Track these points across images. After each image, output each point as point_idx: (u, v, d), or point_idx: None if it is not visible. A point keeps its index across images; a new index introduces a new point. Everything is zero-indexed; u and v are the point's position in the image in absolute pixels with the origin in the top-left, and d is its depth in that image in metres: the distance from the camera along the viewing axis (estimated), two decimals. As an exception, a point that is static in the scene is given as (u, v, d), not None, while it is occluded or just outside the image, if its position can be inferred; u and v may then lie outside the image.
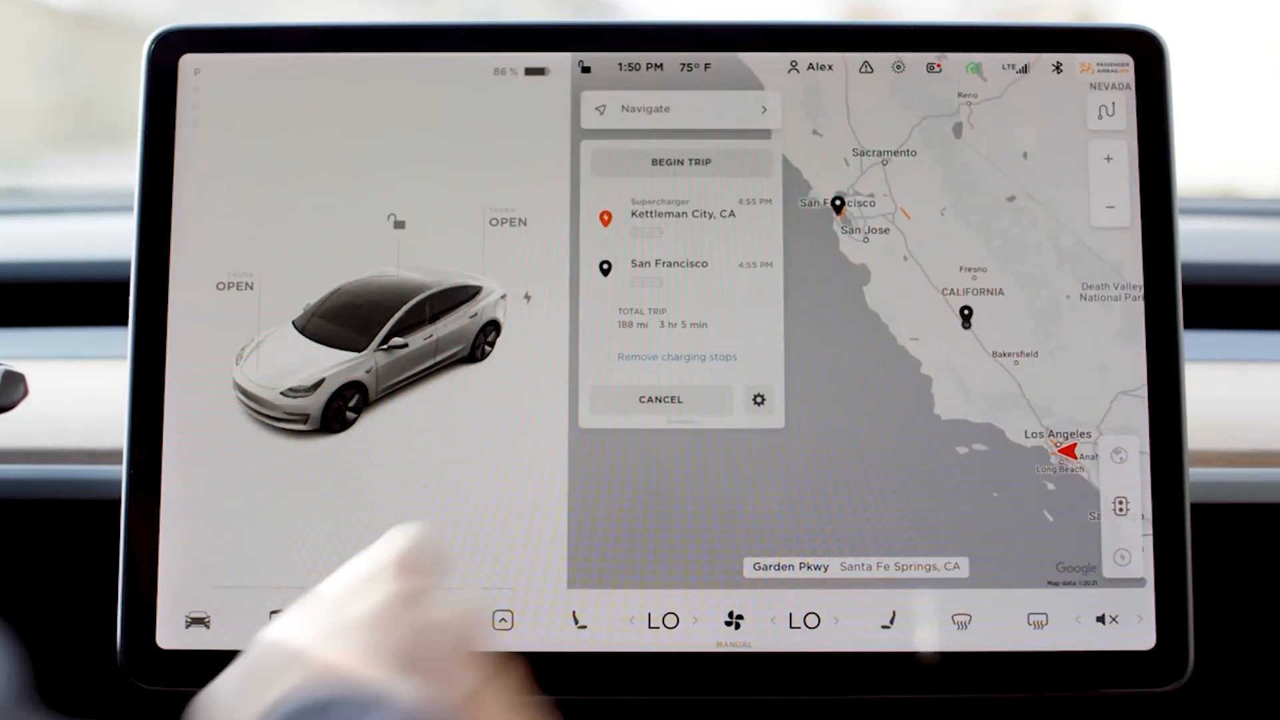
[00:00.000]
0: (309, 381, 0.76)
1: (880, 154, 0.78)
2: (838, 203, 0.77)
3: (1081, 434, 0.76)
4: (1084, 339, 0.77)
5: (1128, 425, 0.76)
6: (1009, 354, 0.77)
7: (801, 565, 0.75)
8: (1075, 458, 0.76)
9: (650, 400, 0.76)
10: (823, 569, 0.75)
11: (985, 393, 0.76)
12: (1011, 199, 0.77)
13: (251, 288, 0.77)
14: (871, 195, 0.77)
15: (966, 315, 0.77)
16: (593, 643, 0.75)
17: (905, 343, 0.76)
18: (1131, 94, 0.78)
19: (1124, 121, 0.78)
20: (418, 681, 0.49)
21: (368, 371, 0.76)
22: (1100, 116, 0.78)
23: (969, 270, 0.77)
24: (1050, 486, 0.76)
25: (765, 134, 0.78)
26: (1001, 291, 0.77)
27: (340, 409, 0.76)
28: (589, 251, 0.77)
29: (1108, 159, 0.78)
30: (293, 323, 0.77)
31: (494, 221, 0.77)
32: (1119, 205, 0.77)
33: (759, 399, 0.76)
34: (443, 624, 0.53)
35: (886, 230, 0.77)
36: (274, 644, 0.52)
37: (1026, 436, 0.76)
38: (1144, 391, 0.76)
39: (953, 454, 0.76)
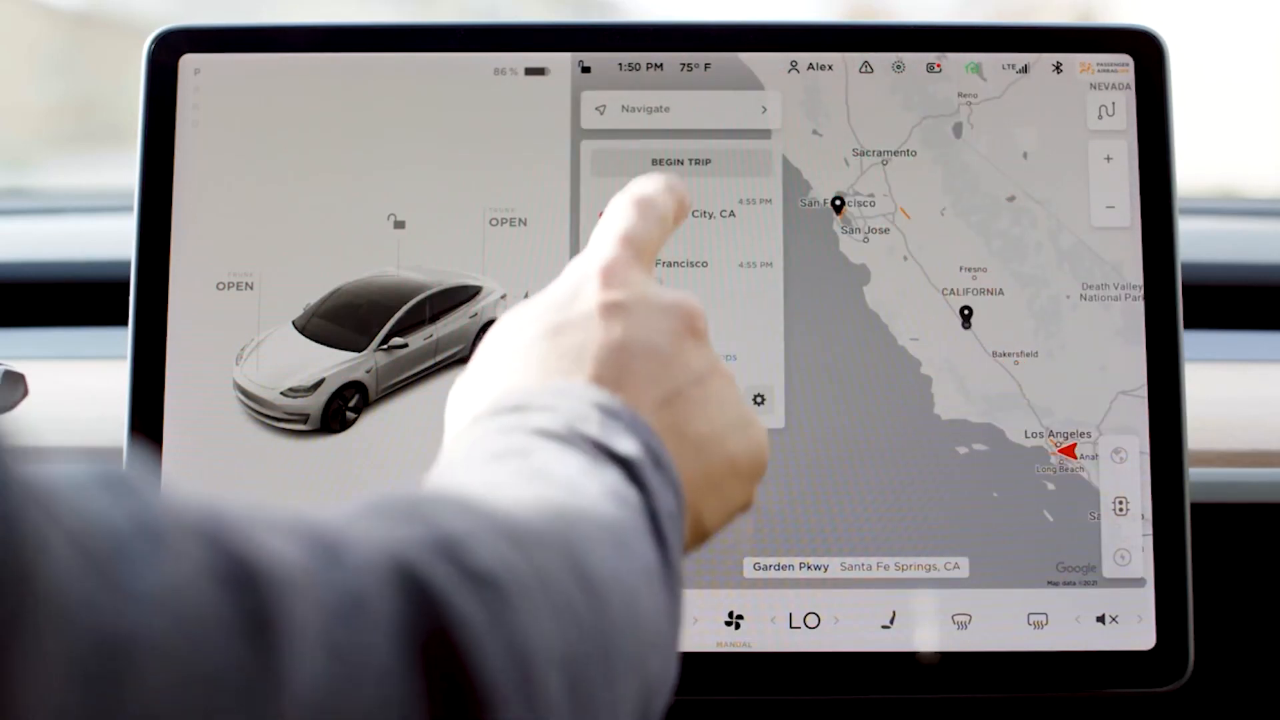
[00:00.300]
0: (309, 381, 0.76)
1: (880, 154, 0.78)
2: (838, 203, 0.77)
3: (1081, 434, 0.76)
4: (1084, 339, 0.77)
5: (1128, 425, 0.76)
6: (1009, 354, 0.77)
7: (801, 565, 0.75)
8: (1075, 458, 0.76)
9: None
10: (823, 569, 0.75)
11: (985, 393, 0.76)
12: (1011, 199, 0.77)
13: (251, 288, 0.77)
14: (871, 195, 0.77)
15: (966, 315, 0.77)
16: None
17: (905, 343, 0.76)
18: (1131, 94, 0.78)
19: (1124, 121, 0.78)
20: (611, 390, 0.51)
21: (368, 371, 0.76)
22: (1100, 116, 0.78)
23: (969, 270, 0.77)
24: (1050, 486, 0.76)
25: (765, 134, 0.78)
26: (1001, 291, 0.77)
27: (340, 409, 0.76)
28: (589, 251, 0.77)
29: (1108, 159, 0.78)
30: (293, 323, 0.77)
31: (494, 221, 0.77)
32: (1119, 205, 0.77)
33: (759, 399, 0.76)
34: (655, 319, 0.54)
35: (886, 230, 0.77)
36: (494, 347, 0.55)
37: (1026, 436, 0.76)
38: (1144, 391, 0.76)
39: (953, 454, 0.76)
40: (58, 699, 0.29)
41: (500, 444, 0.47)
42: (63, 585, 0.29)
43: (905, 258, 0.77)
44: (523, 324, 0.54)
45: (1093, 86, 0.78)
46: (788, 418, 0.76)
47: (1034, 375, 0.76)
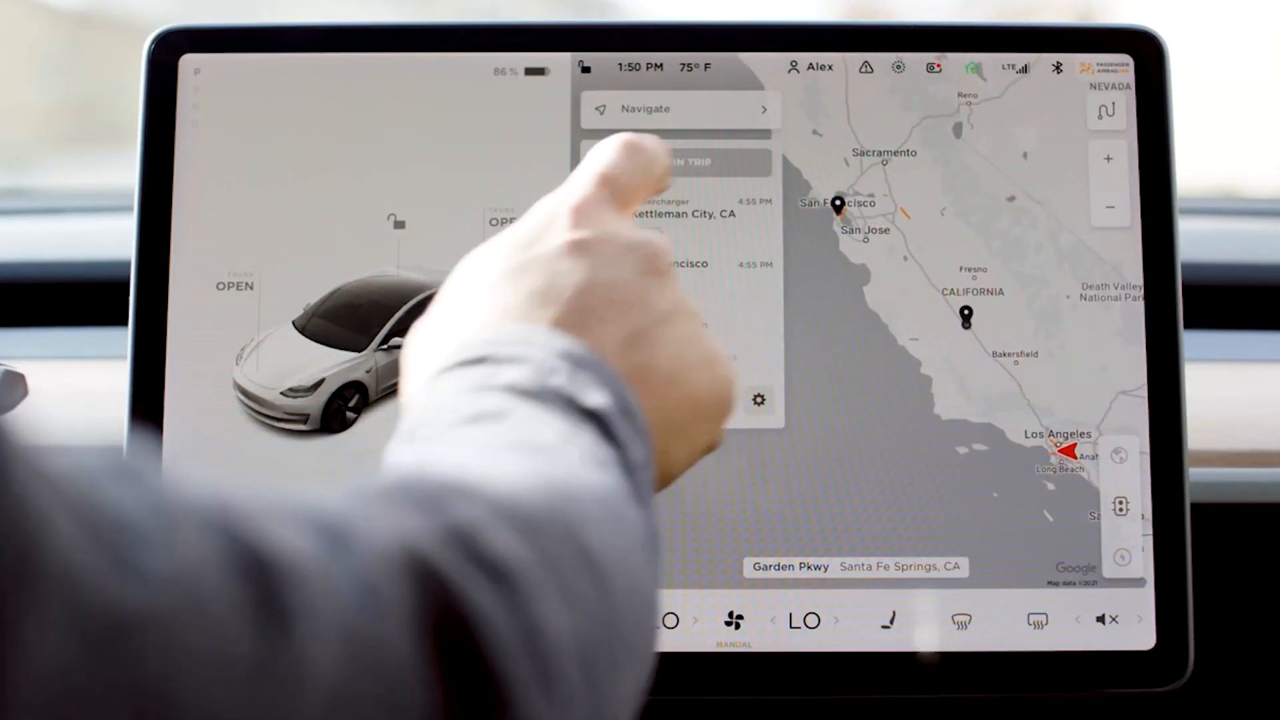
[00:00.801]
0: (309, 381, 0.76)
1: (880, 154, 0.78)
2: (838, 203, 0.77)
3: (1081, 434, 0.76)
4: (1084, 339, 0.77)
5: (1128, 425, 0.76)
6: (1009, 354, 0.77)
7: (802, 565, 0.75)
8: (1075, 458, 0.76)
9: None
10: (823, 569, 0.75)
11: (985, 393, 0.76)
12: (1012, 199, 0.77)
13: (251, 288, 0.77)
14: (871, 195, 0.77)
15: (966, 315, 0.77)
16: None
17: (905, 343, 0.76)
18: (1131, 94, 0.78)
19: (1124, 121, 0.78)
20: (575, 334, 0.50)
21: (368, 371, 0.76)
22: (1100, 116, 0.78)
23: (969, 270, 0.77)
24: (1050, 486, 0.76)
25: (765, 134, 0.78)
26: (1001, 291, 0.77)
27: (340, 409, 0.76)
28: (589, 251, 0.77)
29: (1108, 159, 0.78)
30: (293, 323, 0.77)
31: (494, 222, 0.77)
32: (1119, 205, 0.77)
33: (759, 399, 0.76)
34: (620, 258, 0.53)
35: (886, 230, 0.77)
36: (457, 288, 0.54)
37: (1026, 436, 0.76)
38: (1144, 391, 0.76)
39: (953, 454, 0.76)
40: (65, 672, 0.29)
41: (473, 406, 0.46)
42: (69, 561, 0.29)
43: (905, 258, 0.77)
44: (487, 263, 0.54)
45: (1093, 86, 0.78)
46: (788, 418, 0.76)
47: (1034, 375, 0.76)
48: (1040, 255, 0.77)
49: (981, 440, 0.76)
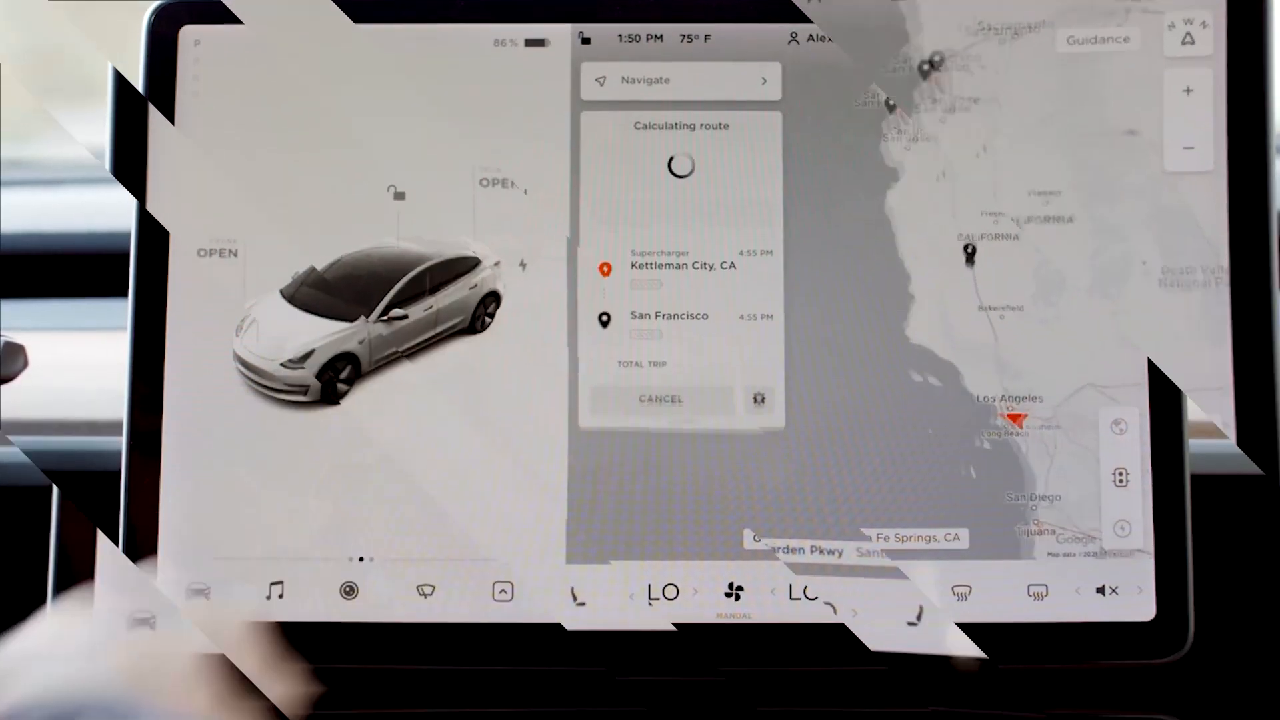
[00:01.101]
0: (298, 352, 0.76)
1: (1007, 29, 0.76)
2: (935, 59, 0.76)
3: (1034, 399, 0.75)
4: (1092, 315, 0.76)
5: (1128, 397, 0.76)
6: (996, 308, 0.76)
7: (801, 539, 0.75)
8: (1020, 426, 0.75)
9: (650, 399, 0.76)
10: (822, 547, 0.75)
11: (962, 333, 0.75)
12: (1132, 133, 0.75)
13: (247, 258, 0.77)
14: (983, 62, 0.75)
15: (970, 253, 0.76)
16: (591, 619, 0.75)
17: (903, 255, 0.76)
18: (1222, 13, 0.75)
19: (1210, 46, 0.76)
20: None
21: (360, 342, 0.76)
22: (1183, 42, 0.76)
23: (1041, 194, 0.75)
24: (986, 446, 0.75)
25: (765, 105, 0.78)
26: (1071, 219, 0.75)
27: (331, 380, 0.76)
28: (588, 222, 0.77)
29: (1188, 91, 0.76)
30: (280, 291, 0.77)
31: (494, 193, 0.77)
32: (1200, 145, 0.75)
33: (759, 398, 0.76)
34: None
35: (970, 106, 0.75)
36: None
37: (980, 391, 0.75)
38: (1115, 391, 0.75)
39: (906, 378, 0.75)
40: None
41: None
42: None
43: (942, 175, 0.76)
44: None
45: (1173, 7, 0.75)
46: (788, 412, 0.76)
47: (1015, 333, 0.76)
48: (1124, 205, 0.75)
49: (937, 375, 0.75)
